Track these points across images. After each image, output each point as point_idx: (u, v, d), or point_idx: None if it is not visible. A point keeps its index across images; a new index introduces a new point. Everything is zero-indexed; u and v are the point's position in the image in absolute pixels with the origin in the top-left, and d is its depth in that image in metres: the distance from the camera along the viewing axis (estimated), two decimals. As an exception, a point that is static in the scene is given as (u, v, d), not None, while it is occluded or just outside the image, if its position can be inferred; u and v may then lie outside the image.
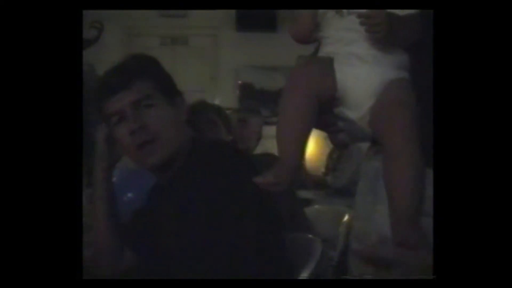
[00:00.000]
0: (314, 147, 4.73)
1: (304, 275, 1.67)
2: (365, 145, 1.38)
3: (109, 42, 5.00)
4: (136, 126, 1.48)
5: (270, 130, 3.67)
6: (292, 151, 1.22)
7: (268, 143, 3.52)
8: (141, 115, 1.49)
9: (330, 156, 4.93)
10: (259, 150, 3.24)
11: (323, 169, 5.02)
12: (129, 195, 2.19)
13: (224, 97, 5.70)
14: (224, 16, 5.91)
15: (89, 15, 4.92)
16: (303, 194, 4.17)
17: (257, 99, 5.87)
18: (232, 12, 5.85)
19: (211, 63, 6.08)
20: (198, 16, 5.94)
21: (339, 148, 4.27)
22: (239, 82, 6.02)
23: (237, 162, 1.53)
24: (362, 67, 1.21)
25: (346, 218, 2.86)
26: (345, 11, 1.22)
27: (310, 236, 1.98)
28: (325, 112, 1.26)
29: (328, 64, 1.21)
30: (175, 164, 1.52)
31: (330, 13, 1.24)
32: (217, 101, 5.48)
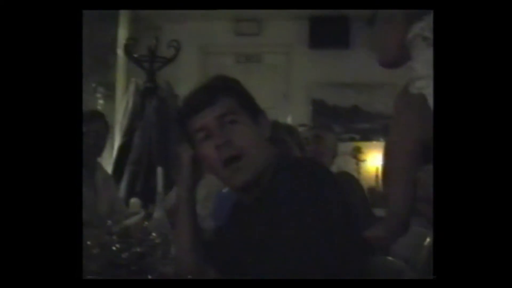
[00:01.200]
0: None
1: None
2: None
3: (185, 61, 5.15)
4: (222, 141, 1.48)
5: (342, 147, 3.68)
6: (404, 204, 1.18)
7: (340, 160, 3.53)
8: (226, 130, 1.49)
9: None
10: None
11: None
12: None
13: (297, 114, 5.74)
14: (297, 34, 5.97)
15: (167, 34, 5.11)
16: (379, 212, 4.12)
17: (329, 116, 5.89)
18: (305, 29, 5.90)
19: (284, 80, 6.14)
20: (272, 34, 6.03)
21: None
22: (312, 99, 6.04)
23: (324, 179, 1.49)
24: None
25: (427, 241, 2.78)
26: (430, 36, 1.20)
27: (390, 258, 1.94)
28: None
29: (424, 102, 1.18)
30: (261, 183, 1.50)
31: (417, 39, 1.22)
32: (289, 118, 5.53)
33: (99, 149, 3.11)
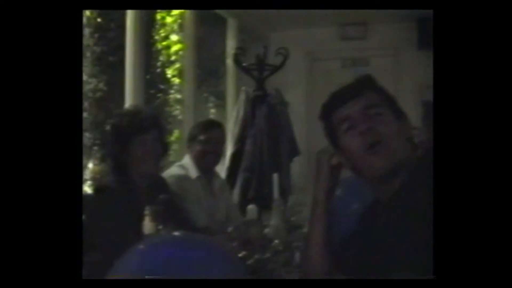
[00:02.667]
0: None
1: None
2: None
3: (292, 67, 5.18)
4: (366, 127, 1.50)
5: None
6: None
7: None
8: (371, 119, 1.51)
9: None
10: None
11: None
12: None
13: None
14: (404, 36, 5.85)
15: (276, 41, 5.16)
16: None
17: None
18: (413, 31, 5.77)
19: (393, 83, 6.02)
20: (378, 37, 5.94)
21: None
22: (422, 101, 5.88)
23: None
24: None
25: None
26: None
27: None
28: None
29: None
30: (399, 175, 1.50)
31: None
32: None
33: (217, 157, 3.19)
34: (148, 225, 1.82)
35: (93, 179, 3.77)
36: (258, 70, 4.50)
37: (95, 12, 3.85)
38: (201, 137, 3.09)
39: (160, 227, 1.80)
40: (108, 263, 1.45)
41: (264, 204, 3.40)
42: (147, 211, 1.84)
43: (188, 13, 4.56)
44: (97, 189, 2.49)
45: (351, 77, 1.62)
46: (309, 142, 5.21)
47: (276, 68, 4.56)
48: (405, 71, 5.95)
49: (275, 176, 2.73)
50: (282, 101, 4.49)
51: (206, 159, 3.10)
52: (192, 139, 3.14)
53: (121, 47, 3.76)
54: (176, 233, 1.52)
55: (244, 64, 4.56)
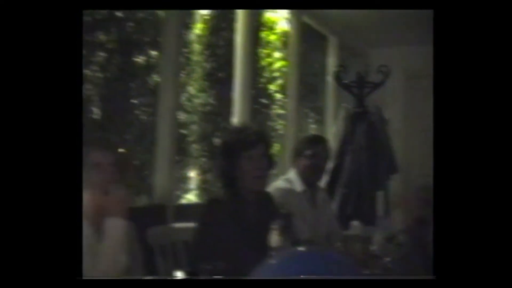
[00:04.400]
0: None
1: None
2: None
3: (391, 85, 5.18)
4: None
5: None
6: None
7: None
8: None
9: None
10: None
11: None
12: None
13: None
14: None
15: (375, 58, 5.19)
16: None
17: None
18: None
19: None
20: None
21: None
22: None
23: None
24: None
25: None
26: None
27: None
28: None
29: None
30: None
31: None
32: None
33: (322, 171, 3.27)
34: (274, 239, 1.91)
35: (198, 188, 3.95)
36: (359, 87, 4.56)
37: (206, 30, 4.07)
38: (308, 152, 3.18)
39: (286, 241, 1.90)
40: (225, 271, 1.57)
41: (366, 220, 3.45)
42: (273, 225, 1.94)
43: (291, 31, 4.69)
44: (208, 200, 2.62)
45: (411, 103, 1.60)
46: (407, 159, 5.19)
47: (376, 86, 4.59)
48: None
49: (380, 194, 2.78)
50: (382, 118, 4.51)
51: (312, 173, 3.18)
52: (298, 153, 3.23)
53: (229, 63, 3.94)
54: (303, 248, 1.59)
55: (344, 81, 4.62)
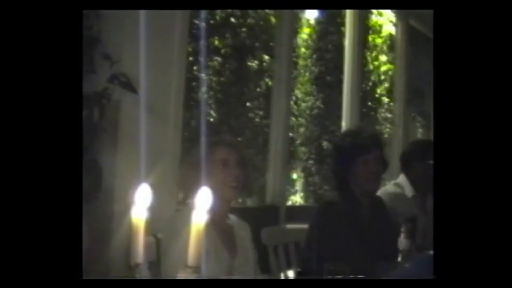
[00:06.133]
0: None
1: None
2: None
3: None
4: None
5: None
6: None
7: None
8: None
9: None
10: None
11: None
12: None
13: None
14: None
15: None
16: None
17: None
18: None
19: None
20: None
21: None
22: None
23: None
24: None
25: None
26: None
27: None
28: None
29: None
30: None
31: None
32: None
33: (431, 176, 3.21)
34: (403, 242, 1.92)
35: (305, 191, 3.99)
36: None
37: (314, 34, 4.11)
38: (419, 157, 3.14)
39: (411, 244, 1.90)
40: (347, 271, 1.60)
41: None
42: (402, 228, 1.95)
43: (397, 34, 4.65)
44: (322, 203, 2.65)
45: None
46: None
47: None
48: None
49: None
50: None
51: (423, 179, 3.14)
52: (409, 158, 3.20)
53: (338, 68, 3.96)
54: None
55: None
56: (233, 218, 2.08)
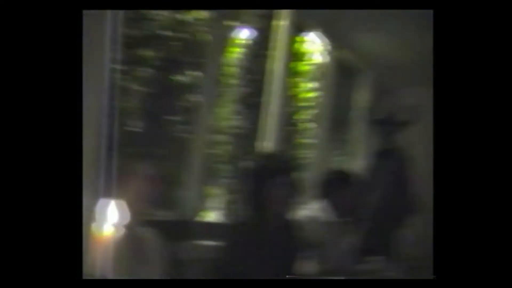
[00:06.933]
0: None
1: None
2: None
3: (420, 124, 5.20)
4: None
5: None
6: None
7: None
8: None
9: None
10: None
11: None
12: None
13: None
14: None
15: (409, 97, 5.20)
16: None
17: None
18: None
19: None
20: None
21: None
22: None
23: None
24: None
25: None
26: None
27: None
28: None
29: None
30: None
31: None
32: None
33: (348, 203, 3.31)
34: (301, 267, 1.95)
35: (223, 208, 3.99)
36: (388, 125, 4.59)
37: (244, 55, 4.14)
38: (336, 184, 3.24)
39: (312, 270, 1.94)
40: None
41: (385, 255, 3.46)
42: (301, 254, 1.98)
43: (326, 62, 4.76)
44: (234, 221, 2.67)
45: None
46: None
47: (405, 124, 4.63)
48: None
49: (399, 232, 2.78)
50: (408, 157, 4.54)
51: (339, 205, 3.23)
52: (326, 184, 3.29)
53: (264, 90, 4.00)
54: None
55: (375, 117, 4.66)
56: (144, 230, 2.07)
